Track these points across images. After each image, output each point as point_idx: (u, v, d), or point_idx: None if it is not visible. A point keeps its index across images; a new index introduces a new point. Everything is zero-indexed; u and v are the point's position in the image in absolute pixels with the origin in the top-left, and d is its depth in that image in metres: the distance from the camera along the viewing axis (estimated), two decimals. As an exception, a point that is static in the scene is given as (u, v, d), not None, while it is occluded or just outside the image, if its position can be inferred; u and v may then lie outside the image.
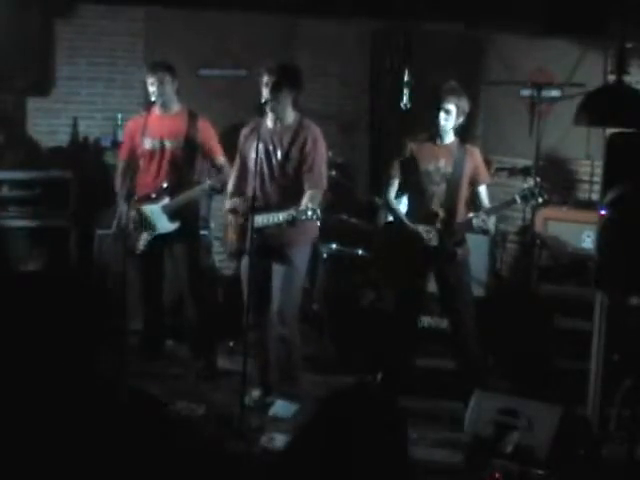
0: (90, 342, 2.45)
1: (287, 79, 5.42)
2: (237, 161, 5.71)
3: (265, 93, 5.42)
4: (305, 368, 5.87)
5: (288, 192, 5.43)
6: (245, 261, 5.57)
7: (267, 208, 5.37)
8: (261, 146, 5.34)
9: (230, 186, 5.72)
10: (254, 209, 5.27)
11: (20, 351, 2.46)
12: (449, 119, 5.55)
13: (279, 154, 5.46)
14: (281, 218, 5.27)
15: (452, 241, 5.60)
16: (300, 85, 5.50)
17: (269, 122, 5.48)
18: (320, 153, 5.47)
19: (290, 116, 5.48)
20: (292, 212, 5.21)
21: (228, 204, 5.68)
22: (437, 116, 5.54)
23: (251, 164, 5.51)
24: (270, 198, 5.45)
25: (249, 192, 5.48)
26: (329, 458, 2.07)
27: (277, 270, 5.52)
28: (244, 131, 5.68)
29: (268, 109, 5.41)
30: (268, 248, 5.42)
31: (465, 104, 5.58)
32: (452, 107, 5.52)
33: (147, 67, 6.27)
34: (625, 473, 4.75)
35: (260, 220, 5.31)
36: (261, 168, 5.43)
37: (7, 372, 2.41)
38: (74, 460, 2.24)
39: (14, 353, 2.44)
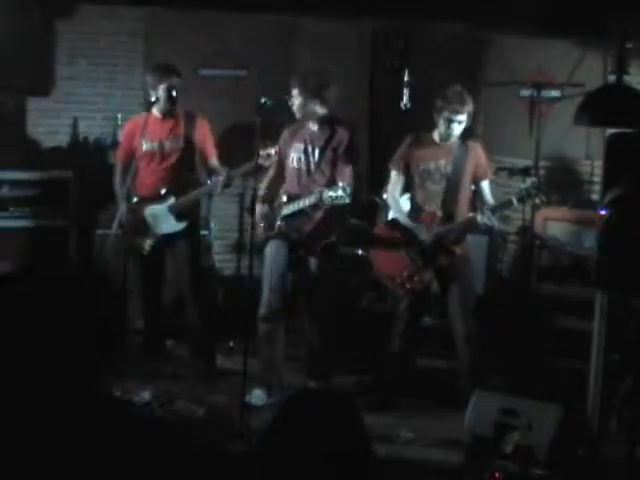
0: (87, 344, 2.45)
1: (313, 93, 5.66)
2: (274, 165, 5.87)
3: (296, 108, 5.71)
4: (305, 368, 5.88)
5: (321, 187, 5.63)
6: (270, 248, 5.77)
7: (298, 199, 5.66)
8: (301, 146, 5.71)
9: (262, 189, 5.88)
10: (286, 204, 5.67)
11: (18, 352, 2.46)
12: (461, 127, 5.57)
13: (317, 153, 5.71)
14: (307, 202, 5.55)
15: (450, 240, 5.60)
16: (325, 92, 5.71)
17: (311, 125, 5.76)
18: (353, 153, 5.78)
19: (324, 118, 5.73)
20: (318, 194, 5.44)
21: (258, 209, 5.78)
22: (443, 126, 5.57)
23: (290, 163, 5.78)
24: (304, 192, 5.67)
25: (288, 189, 5.78)
26: (293, 455, 2.08)
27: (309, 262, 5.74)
28: (285, 134, 5.89)
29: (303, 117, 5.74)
30: (295, 241, 5.71)
31: (472, 107, 5.59)
32: (464, 117, 5.53)
33: (158, 71, 6.11)
34: (625, 473, 4.75)
35: (287, 210, 5.65)
36: (299, 167, 5.73)
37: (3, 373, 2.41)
38: (68, 462, 2.24)
39: (12, 354, 2.44)
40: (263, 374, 5.79)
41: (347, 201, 5.42)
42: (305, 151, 5.75)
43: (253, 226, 5.39)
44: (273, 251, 5.77)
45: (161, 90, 6.03)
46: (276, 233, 5.74)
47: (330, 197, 5.38)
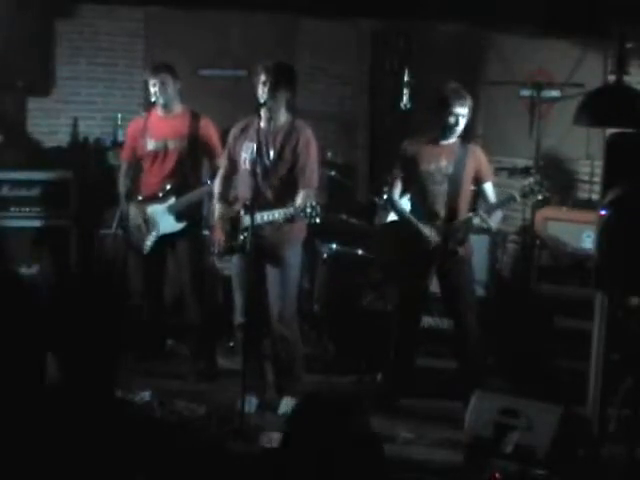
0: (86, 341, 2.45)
1: (285, 79, 5.42)
2: (224, 161, 5.69)
3: (261, 92, 5.40)
4: (305, 368, 5.88)
5: (280, 192, 5.42)
6: (236, 261, 5.59)
7: (260, 207, 5.33)
8: (254, 146, 5.35)
9: (216, 187, 5.70)
10: (252, 210, 5.26)
11: (20, 351, 2.46)
12: (460, 123, 5.55)
13: (272, 154, 5.43)
14: (277, 216, 5.26)
15: (453, 240, 5.60)
16: (295, 85, 5.51)
17: (262, 122, 5.43)
18: (312, 154, 5.46)
19: (283, 116, 5.47)
20: (290, 210, 5.21)
21: (216, 208, 5.66)
22: (447, 121, 5.52)
23: (242, 164, 5.51)
24: (263, 198, 5.41)
25: (243, 193, 5.48)
26: (309, 460, 2.08)
27: (271, 272, 5.52)
28: (234, 130, 5.63)
29: (264, 108, 5.40)
30: (259, 249, 5.38)
31: (471, 104, 5.58)
32: (463, 111, 5.51)
33: (149, 69, 6.26)
34: (625, 473, 4.75)
35: (254, 219, 5.27)
36: (254, 168, 5.40)
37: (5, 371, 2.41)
38: (71, 463, 2.24)
39: (14, 353, 2.44)
40: (251, 380, 5.56)
41: (317, 221, 5.17)
42: (258, 151, 5.35)
43: (252, 226, 5.31)
44: (241, 265, 5.52)
45: (151, 86, 6.07)
46: (241, 246, 5.40)
47: (298, 217, 5.17)
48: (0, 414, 2.31)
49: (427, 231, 5.60)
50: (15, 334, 2.44)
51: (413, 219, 5.67)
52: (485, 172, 5.70)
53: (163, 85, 6.04)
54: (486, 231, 5.98)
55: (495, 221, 5.64)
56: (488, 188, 5.68)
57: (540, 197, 5.53)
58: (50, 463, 2.23)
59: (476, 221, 5.52)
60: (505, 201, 5.63)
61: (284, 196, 5.38)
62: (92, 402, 2.33)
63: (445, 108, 5.50)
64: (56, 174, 6.96)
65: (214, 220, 5.69)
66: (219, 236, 5.60)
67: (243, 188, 5.49)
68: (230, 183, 5.65)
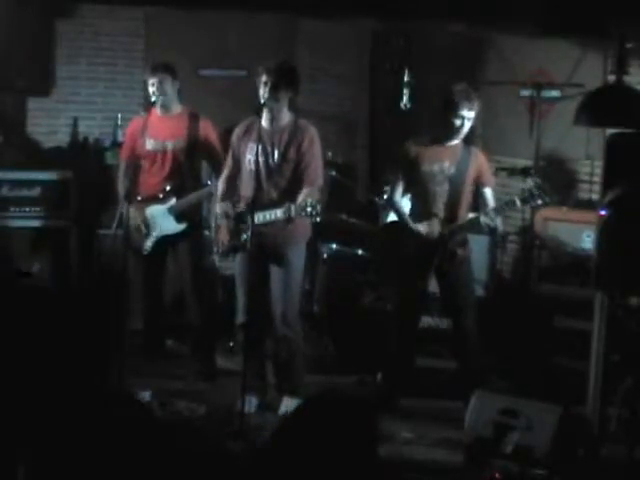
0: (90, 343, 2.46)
1: (286, 79, 5.42)
2: (229, 161, 5.69)
3: (263, 92, 5.40)
4: (306, 368, 5.88)
5: (285, 191, 5.42)
6: (239, 260, 5.59)
7: (263, 207, 5.34)
8: (258, 146, 5.35)
9: (220, 187, 5.70)
10: (253, 209, 5.27)
11: (22, 351, 2.47)
12: (465, 125, 5.53)
13: (276, 154, 5.44)
14: (279, 214, 5.26)
15: (452, 242, 5.60)
16: (298, 85, 5.50)
17: (264, 122, 5.43)
18: (316, 153, 5.47)
19: (286, 116, 5.48)
20: (290, 208, 5.21)
21: (219, 208, 5.67)
22: (453, 123, 5.51)
23: (247, 164, 5.51)
24: (266, 198, 5.42)
25: (245, 193, 5.48)
26: (302, 457, 2.08)
27: (275, 271, 5.52)
28: (237, 131, 5.64)
29: (265, 109, 5.40)
30: (263, 248, 5.41)
31: (478, 107, 5.56)
32: (470, 114, 5.50)
33: (148, 68, 6.27)
34: (625, 473, 4.76)
35: (256, 218, 5.28)
36: (257, 168, 5.41)
37: (8, 372, 2.41)
38: (75, 462, 2.24)
39: (16, 354, 2.44)
40: (251, 380, 5.55)
41: (318, 220, 5.19)
42: (264, 152, 5.40)
43: (252, 226, 5.31)
44: (244, 263, 5.52)
45: (150, 85, 6.08)
46: (243, 245, 5.42)
47: (298, 215, 5.17)
48: (12, 408, 2.32)
49: (425, 227, 5.60)
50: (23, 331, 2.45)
51: (410, 221, 5.67)
52: (486, 176, 5.70)
53: (161, 85, 6.04)
54: (489, 232, 5.98)
55: (499, 222, 5.65)
56: (488, 193, 5.68)
57: (540, 202, 5.50)
58: (58, 462, 2.24)
59: (483, 219, 5.50)
60: (505, 206, 5.61)
61: (289, 195, 5.38)
62: (99, 399, 2.34)
63: (452, 109, 5.49)
64: (56, 174, 6.95)
65: (217, 219, 5.68)
66: (222, 236, 5.60)
67: (247, 188, 5.49)
68: (234, 183, 5.65)
